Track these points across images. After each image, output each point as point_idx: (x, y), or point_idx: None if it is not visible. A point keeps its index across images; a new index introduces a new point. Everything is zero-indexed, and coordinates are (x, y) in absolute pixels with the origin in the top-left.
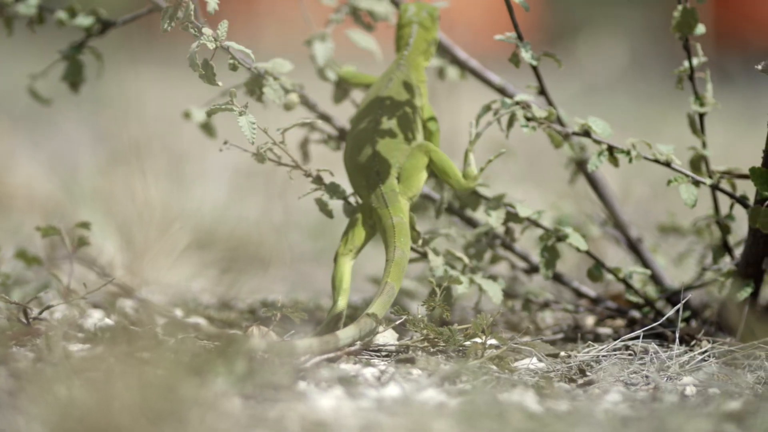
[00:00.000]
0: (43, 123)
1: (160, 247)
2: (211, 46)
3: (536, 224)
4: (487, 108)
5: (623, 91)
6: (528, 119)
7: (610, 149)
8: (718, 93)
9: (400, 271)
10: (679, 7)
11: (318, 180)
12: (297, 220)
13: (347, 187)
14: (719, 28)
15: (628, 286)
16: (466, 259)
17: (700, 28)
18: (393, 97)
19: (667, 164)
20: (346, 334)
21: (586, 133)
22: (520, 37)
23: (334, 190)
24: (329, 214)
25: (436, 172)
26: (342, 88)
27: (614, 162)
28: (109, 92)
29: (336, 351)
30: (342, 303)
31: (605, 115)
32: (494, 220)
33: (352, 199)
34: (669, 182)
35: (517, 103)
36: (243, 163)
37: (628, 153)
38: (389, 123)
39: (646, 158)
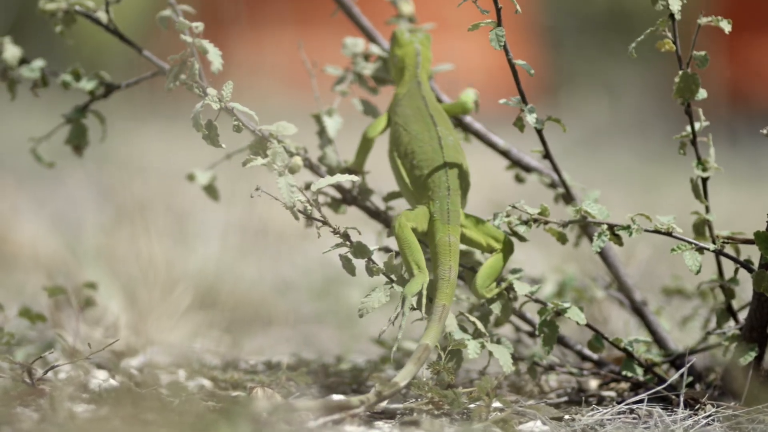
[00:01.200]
0: (47, 181)
1: (164, 307)
2: (215, 106)
3: (535, 300)
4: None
5: (625, 147)
6: (524, 222)
7: (611, 228)
8: (725, 154)
9: (452, 293)
10: (681, 73)
11: (345, 237)
12: (300, 280)
13: (371, 244)
14: (734, 87)
15: (630, 356)
16: (479, 324)
17: (702, 93)
18: (440, 116)
19: (669, 234)
20: (405, 375)
21: (584, 218)
22: (524, 101)
23: (361, 250)
24: (352, 271)
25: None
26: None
27: (617, 241)
28: (113, 150)
29: (394, 394)
30: (425, 272)
31: (607, 172)
32: (497, 307)
33: (375, 257)
34: (672, 250)
35: (513, 207)
36: (247, 220)
37: (628, 228)
38: (449, 140)
39: (647, 230)
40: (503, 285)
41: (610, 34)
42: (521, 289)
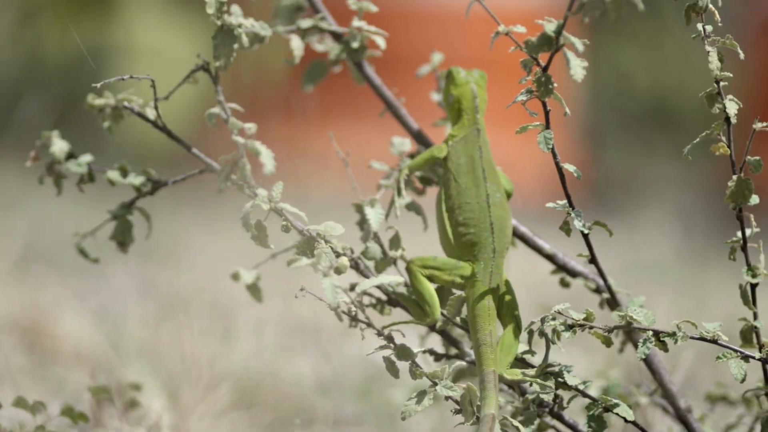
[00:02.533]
0: (90, 275)
1: (206, 406)
2: (265, 207)
3: (583, 394)
4: (529, 333)
5: (668, 246)
6: (569, 327)
7: (656, 335)
8: None
9: (496, 356)
10: (734, 177)
11: (389, 339)
12: (342, 378)
13: (415, 346)
14: None
15: None
16: (523, 430)
17: (755, 199)
18: (491, 168)
19: (715, 341)
20: None
21: (629, 324)
22: (571, 205)
23: (404, 353)
24: (396, 374)
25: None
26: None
27: (662, 347)
28: (157, 245)
29: None
30: (438, 312)
31: (651, 273)
32: (541, 388)
33: (419, 360)
34: (718, 358)
35: (555, 317)
36: (290, 317)
37: (674, 335)
38: (497, 196)
39: (692, 338)
40: (534, 372)
41: (653, 130)
42: (571, 380)
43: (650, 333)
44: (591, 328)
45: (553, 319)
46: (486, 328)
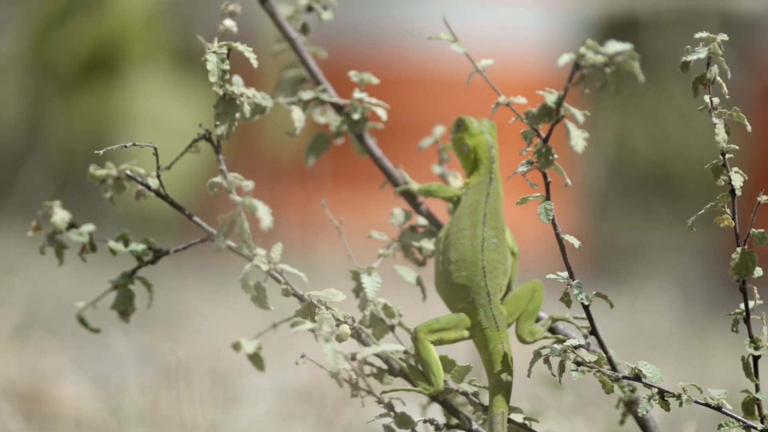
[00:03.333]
0: (90, 342)
1: None
2: (264, 268)
3: None
4: (537, 355)
5: (669, 313)
6: (578, 364)
7: (661, 393)
8: None
9: (509, 399)
10: (738, 249)
11: (389, 407)
12: None
13: (416, 415)
14: None
15: None
16: None
17: (758, 271)
18: (494, 215)
19: (718, 408)
20: None
21: (637, 377)
22: (572, 277)
23: (404, 422)
24: None
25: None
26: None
27: (665, 406)
28: (158, 311)
29: None
30: (442, 382)
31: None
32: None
33: (420, 429)
34: (720, 426)
35: (568, 348)
36: (290, 384)
37: (678, 397)
38: (493, 241)
39: (697, 402)
40: (545, 327)
41: (655, 198)
42: (589, 356)
43: (655, 390)
44: (599, 370)
45: (564, 351)
46: (503, 372)
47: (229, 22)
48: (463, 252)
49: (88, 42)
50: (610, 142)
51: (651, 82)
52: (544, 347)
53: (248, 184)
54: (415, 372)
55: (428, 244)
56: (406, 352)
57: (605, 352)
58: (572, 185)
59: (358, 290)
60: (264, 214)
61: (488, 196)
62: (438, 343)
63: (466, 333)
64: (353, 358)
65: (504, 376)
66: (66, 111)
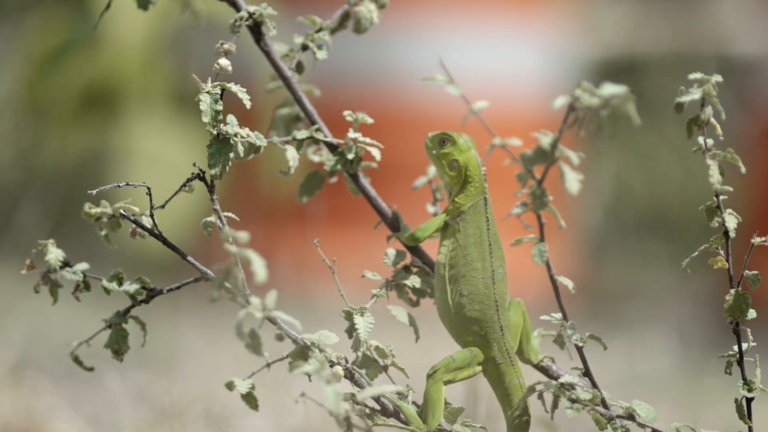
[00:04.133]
0: (84, 381)
1: None
2: (258, 315)
3: None
4: (531, 389)
5: (665, 355)
6: (573, 401)
7: None
8: None
9: None
10: (732, 292)
11: None
12: None
13: None
14: None
15: None
16: None
17: (752, 313)
18: (496, 242)
19: None
20: None
21: (631, 416)
22: (565, 318)
23: None
24: None
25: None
26: None
27: None
28: (153, 351)
29: None
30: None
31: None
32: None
33: None
34: None
35: (562, 385)
36: (286, 425)
37: None
38: (500, 272)
39: None
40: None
41: (653, 239)
42: (583, 394)
43: (649, 430)
44: (594, 409)
45: (560, 388)
46: (521, 407)
47: (223, 61)
48: (475, 285)
49: (85, 81)
50: (607, 184)
51: (649, 125)
52: (538, 383)
53: (243, 236)
54: (409, 412)
55: (422, 284)
56: (400, 393)
57: (599, 391)
58: (569, 227)
59: (351, 330)
60: (259, 267)
61: (488, 222)
62: (451, 381)
63: (479, 369)
64: (353, 399)
65: (523, 411)
66: (62, 150)
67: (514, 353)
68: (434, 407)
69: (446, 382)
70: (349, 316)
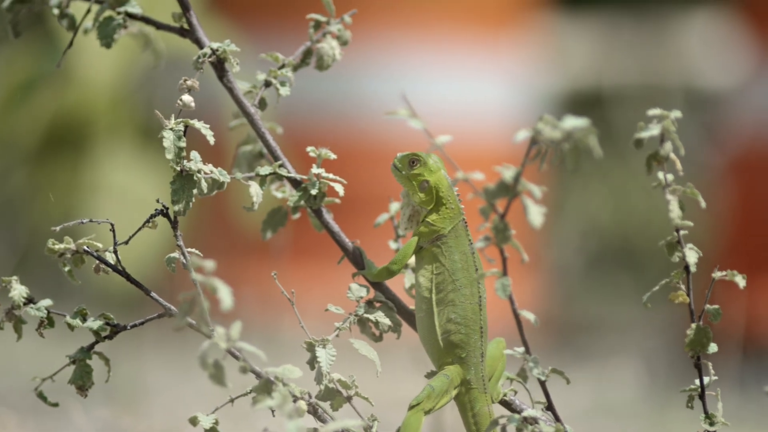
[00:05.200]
0: (50, 416)
1: None
2: (223, 346)
3: None
4: (494, 423)
5: (631, 387)
6: None
7: None
8: (734, 401)
9: None
10: (693, 326)
11: None
12: None
13: None
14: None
15: None
16: None
17: (713, 347)
18: (480, 266)
19: None
20: None
21: None
22: (528, 352)
23: None
24: None
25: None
26: None
27: None
28: (119, 386)
29: None
30: None
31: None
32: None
33: None
34: None
35: (525, 419)
36: None
37: None
38: (485, 297)
39: None
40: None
41: (620, 272)
42: (546, 428)
43: None
44: None
45: (524, 421)
46: None
47: (186, 98)
48: (463, 310)
49: (52, 116)
50: (574, 217)
51: (616, 157)
52: (501, 416)
53: (209, 265)
54: None
55: (384, 319)
56: (365, 429)
57: (562, 426)
58: (537, 259)
59: (313, 362)
60: (224, 295)
61: (471, 245)
62: (432, 410)
63: (455, 392)
64: None
65: None
66: (29, 185)
67: (488, 381)
68: None
69: (427, 412)
70: (311, 347)
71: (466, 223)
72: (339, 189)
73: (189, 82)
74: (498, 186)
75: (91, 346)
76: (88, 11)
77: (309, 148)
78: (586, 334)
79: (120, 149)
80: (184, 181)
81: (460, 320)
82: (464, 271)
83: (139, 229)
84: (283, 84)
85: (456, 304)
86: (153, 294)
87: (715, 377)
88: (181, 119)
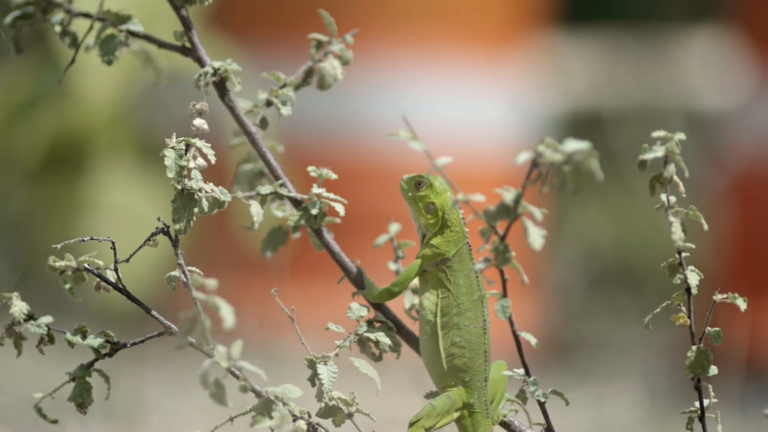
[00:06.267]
0: None
1: None
2: (224, 364)
3: None
4: None
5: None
6: None
7: None
8: (734, 422)
9: None
10: (694, 348)
11: None
12: None
13: None
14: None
15: None
16: None
17: (713, 370)
18: (484, 289)
19: None
20: None
21: None
22: (528, 374)
23: None
24: None
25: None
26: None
27: None
28: (119, 403)
29: None
30: None
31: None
32: None
33: None
34: None
35: None
36: None
37: None
38: (488, 320)
39: None
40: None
41: (620, 292)
42: None
43: None
44: None
45: None
46: None
47: (198, 121)
48: (468, 334)
49: (52, 133)
50: (575, 238)
51: (616, 178)
52: None
53: (211, 283)
54: None
55: (385, 339)
56: None
57: None
58: (538, 280)
59: (314, 379)
60: (227, 313)
61: (476, 272)
62: (432, 428)
63: (456, 415)
64: None
65: None
66: (29, 202)
67: (490, 405)
68: None
69: (427, 430)
70: (312, 364)
71: (470, 246)
72: (340, 209)
73: (198, 106)
74: (498, 208)
75: (91, 363)
76: (90, 28)
77: (310, 168)
78: (587, 354)
79: (120, 167)
80: (185, 199)
81: (465, 344)
82: (469, 294)
83: (140, 247)
84: (284, 103)
85: (461, 327)
86: (153, 312)
87: (715, 399)
88: (182, 138)
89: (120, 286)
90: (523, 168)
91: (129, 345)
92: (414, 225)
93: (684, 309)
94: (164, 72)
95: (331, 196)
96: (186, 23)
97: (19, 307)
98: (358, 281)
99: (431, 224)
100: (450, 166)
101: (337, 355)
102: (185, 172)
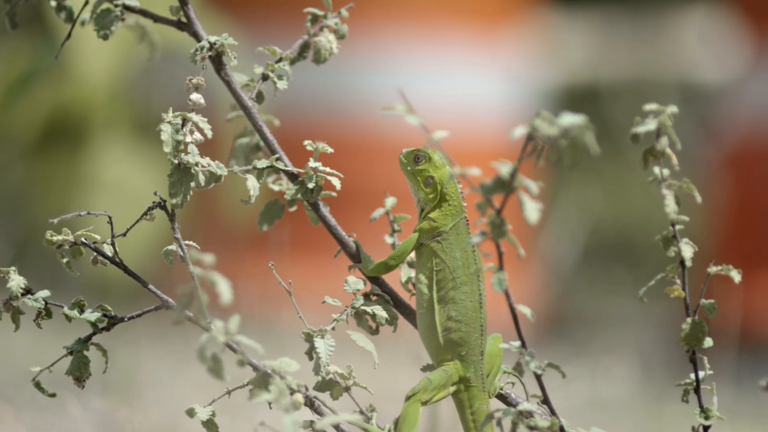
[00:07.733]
0: (47, 409)
1: None
2: (221, 339)
3: None
4: (489, 417)
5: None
6: (531, 428)
7: None
8: (729, 394)
9: None
10: (689, 320)
11: None
12: None
13: None
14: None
15: None
16: None
17: (708, 341)
18: (480, 264)
19: None
20: None
21: None
22: (524, 346)
23: None
24: None
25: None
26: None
27: None
28: (117, 378)
29: None
30: None
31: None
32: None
33: None
34: None
35: (521, 413)
36: None
37: None
38: (484, 297)
39: None
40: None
41: (616, 266)
42: (542, 421)
43: None
44: None
45: (519, 414)
46: (487, 430)
47: (195, 96)
48: (464, 308)
49: (50, 109)
50: (572, 212)
51: (613, 152)
52: (497, 410)
53: (208, 259)
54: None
55: (381, 312)
56: (362, 412)
57: (557, 419)
58: (535, 256)
59: (311, 353)
60: (224, 288)
61: (473, 245)
62: (429, 401)
63: (453, 389)
64: (312, 427)
65: None
66: (26, 177)
67: (486, 379)
68: (411, 427)
69: (424, 403)
70: (309, 338)
71: (467, 220)
72: (336, 183)
73: (195, 81)
74: (495, 182)
75: (89, 337)
76: (86, 3)
77: (306, 142)
78: (582, 328)
79: (117, 142)
80: (181, 174)
81: (461, 318)
82: (465, 268)
83: (137, 221)
84: (280, 77)
85: (456, 301)
86: (150, 286)
87: (711, 371)
88: (178, 113)
89: (117, 260)
90: (519, 142)
91: (126, 319)
92: (413, 199)
93: (678, 282)
94: (159, 46)
95: (328, 169)
96: None
97: (16, 281)
98: (355, 255)
99: (430, 198)
100: (447, 140)
101: (333, 328)
102: (182, 147)
